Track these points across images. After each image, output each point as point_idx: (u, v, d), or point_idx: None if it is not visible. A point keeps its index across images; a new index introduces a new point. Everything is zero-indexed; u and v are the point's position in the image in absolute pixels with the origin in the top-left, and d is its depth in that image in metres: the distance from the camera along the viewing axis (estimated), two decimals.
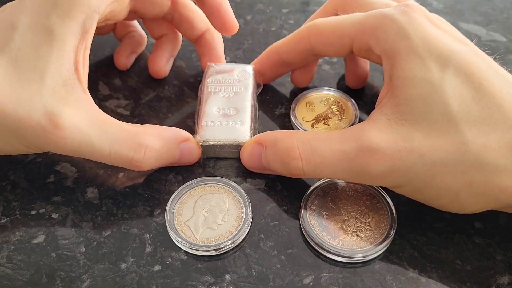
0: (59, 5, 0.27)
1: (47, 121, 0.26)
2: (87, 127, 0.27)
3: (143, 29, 0.40)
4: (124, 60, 0.38)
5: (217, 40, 0.37)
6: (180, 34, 0.38)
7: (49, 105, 0.26)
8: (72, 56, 0.28)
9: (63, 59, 0.27)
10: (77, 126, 0.27)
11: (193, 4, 0.35)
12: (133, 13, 0.34)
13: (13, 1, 0.29)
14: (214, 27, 0.35)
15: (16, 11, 0.28)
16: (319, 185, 0.30)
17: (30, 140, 0.27)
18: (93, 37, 0.30)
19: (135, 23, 0.39)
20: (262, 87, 0.36)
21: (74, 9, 0.28)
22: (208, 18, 0.35)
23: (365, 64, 0.36)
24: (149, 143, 0.28)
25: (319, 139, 0.27)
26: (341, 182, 0.30)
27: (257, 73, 0.35)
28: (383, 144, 0.25)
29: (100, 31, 0.37)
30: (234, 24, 0.35)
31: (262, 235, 0.28)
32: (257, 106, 0.34)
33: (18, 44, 0.27)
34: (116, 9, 0.31)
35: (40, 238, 0.28)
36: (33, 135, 0.26)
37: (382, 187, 0.29)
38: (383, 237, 0.27)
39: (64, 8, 0.27)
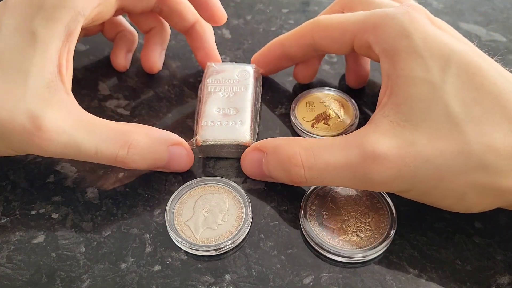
0: (44, 7, 0.27)
1: (31, 124, 0.26)
2: (72, 128, 0.27)
3: (131, 25, 0.40)
4: (123, 61, 0.38)
5: (207, 32, 0.37)
6: (168, 25, 0.38)
7: (32, 108, 0.26)
8: (55, 58, 0.28)
9: (46, 61, 0.27)
10: (61, 127, 0.27)
11: None
12: (120, 10, 0.34)
13: None
14: (203, 18, 0.35)
15: (0, 13, 0.28)
16: (320, 185, 0.30)
17: (14, 143, 0.27)
18: (82, 38, 0.29)
19: (124, 21, 0.39)
20: (261, 87, 0.36)
21: (59, 11, 0.28)
22: (196, 10, 0.35)
23: (366, 64, 0.36)
24: (134, 141, 0.28)
25: (322, 146, 0.27)
26: None
27: (258, 73, 0.35)
28: (387, 149, 0.25)
29: (88, 32, 0.37)
30: (222, 14, 0.35)
31: (262, 235, 0.28)
32: (259, 106, 0.34)
33: (1, 46, 0.27)
34: (103, 10, 0.31)
35: (40, 238, 0.28)
36: (17, 137, 0.26)
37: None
38: (383, 237, 0.27)
39: (49, 11, 0.27)
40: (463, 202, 0.26)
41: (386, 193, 0.29)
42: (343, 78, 0.38)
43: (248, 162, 0.30)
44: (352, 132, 0.28)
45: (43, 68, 0.27)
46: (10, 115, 0.26)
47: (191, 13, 0.36)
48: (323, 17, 0.32)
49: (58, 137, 0.26)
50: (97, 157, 0.28)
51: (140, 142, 0.28)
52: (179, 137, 0.30)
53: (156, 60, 0.37)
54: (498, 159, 0.24)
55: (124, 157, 0.28)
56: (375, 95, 0.36)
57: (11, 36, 0.27)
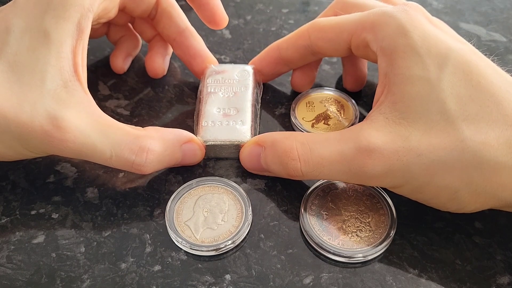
0: (53, 6, 0.27)
1: (50, 125, 0.26)
2: (89, 129, 0.27)
3: None
4: (121, 64, 0.38)
5: (199, 38, 0.36)
6: None
7: (51, 109, 0.26)
8: (70, 58, 0.28)
9: (62, 61, 0.27)
10: (80, 128, 0.27)
11: (176, 3, 0.36)
12: (122, 11, 0.34)
13: (6, 4, 0.29)
14: (203, 20, 0.35)
15: (10, 14, 0.28)
16: (319, 185, 0.30)
17: (33, 145, 0.27)
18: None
19: (129, 26, 0.39)
20: (262, 87, 0.36)
21: (68, 10, 0.27)
22: (197, 12, 0.35)
23: (363, 66, 0.36)
24: (151, 146, 0.28)
25: (318, 140, 0.27)
26: (341, 182, 0.30)
27: (257, 73, 0.35)
28: (381, 144, 0.25)
29: (93, 34, 0.37)
30: (223, 16, 0.34)
31: (262, 235, 0.28)
32: (258, 106, 0.34)
33: (14, 48, 0.27)
34: (109, 6, 0.31)
35: (40, 238, 0.28)
36: (37, 139, 0.26)
37: (382, 187, 0.29)
38: (383, 237, 0.27)
39: (58, 9, 0.27)
40: (455, 200, 0.26)
41: (386, 193, 0.29)
42: (342, 78, 0.38)
43: (246, 155, 0.30)
44: None
45: (59, 68, 0.27)
46: (29, 118, 0.26)
47: (181, 20, 0.36)
48: (320, 19, 0.32)
49: (76, 138, 0.26)
50: (112, 161, 0.28)
51: (156, 148, 0.28)
52: (189, 133, 0.30)
53: (159, 64, 0.37)
54: (493, 156, 0.24)
55: (142, 164, 0.28)
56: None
57: (23, 37, 0.27)
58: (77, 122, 0.27)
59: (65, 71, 0.27)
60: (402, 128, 0.25)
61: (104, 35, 0.38)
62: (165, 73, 0.38)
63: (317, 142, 0.27)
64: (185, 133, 0.30)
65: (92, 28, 0.30)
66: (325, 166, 0.27)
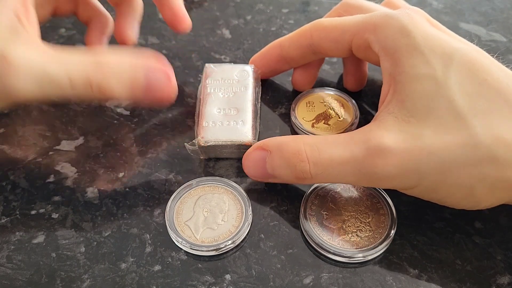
0: None
1: None
2: (41, 59, 0.26)
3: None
4: (97, 44, 0.36)
5: None
6: None
7: None
8: (11, 9, 0.27)
9: (5, 9, 0.26)
10: (30, 59, 0.26)
11: None
12: None
13: None
14: (165, 20, 0.34)
15: None
16: (320, 185, 0.30)
17: None
18: (51, 17, 0.28)
19: (99, 5, 0.37)
20: (261, 87, 0.36)
21: None
22: (159, 9, 0.34)
23: (364, 67, 0.36)
24: (106, 58, 0.27)
25: (327, 141, 0.27)
26: None
27: (257, 73, 0.35)
28: (392, 143, 0.25)
29: (58, 10, 0.35)
30: (185, 18, 0.34)
31: (262, 235, 0.28)
32: (259, 106, 0.34)
33: None
34: None
35: (40, 238, 0.28)
36: None
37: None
38: (383, 237, 0.27)
39: None
40: (471, 197, 0.25)
41: (386, 193, 0.29)
42: (343, 78, 0.38)
43: (250, 161, 0.29)
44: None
45: (2, 14, 0.26)
46: None
47: None
48: (323, 19, 0.32)
49: (27, 69, 0.26)
50: (72, 85, 0.26)
51: (111, 59, 0.27)
52: (157, 61, 0.28)
53: (127, 32, 0.36)
54: (507, 151, 0.24)
55: (100, 80, 0.26)
56: (375, 95, 0.36)
57: None
58: (26, 55, 0.26)
59: (7, 19, 0.26)
60: (412, 127, 0.25)
61: (72, 13, 0.37)
62: (134, 41, 0.36)
63: (325, 144, 0.27)
64: (150, 60, 0.28)
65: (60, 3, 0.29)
66: (334, 167, 0.26)
